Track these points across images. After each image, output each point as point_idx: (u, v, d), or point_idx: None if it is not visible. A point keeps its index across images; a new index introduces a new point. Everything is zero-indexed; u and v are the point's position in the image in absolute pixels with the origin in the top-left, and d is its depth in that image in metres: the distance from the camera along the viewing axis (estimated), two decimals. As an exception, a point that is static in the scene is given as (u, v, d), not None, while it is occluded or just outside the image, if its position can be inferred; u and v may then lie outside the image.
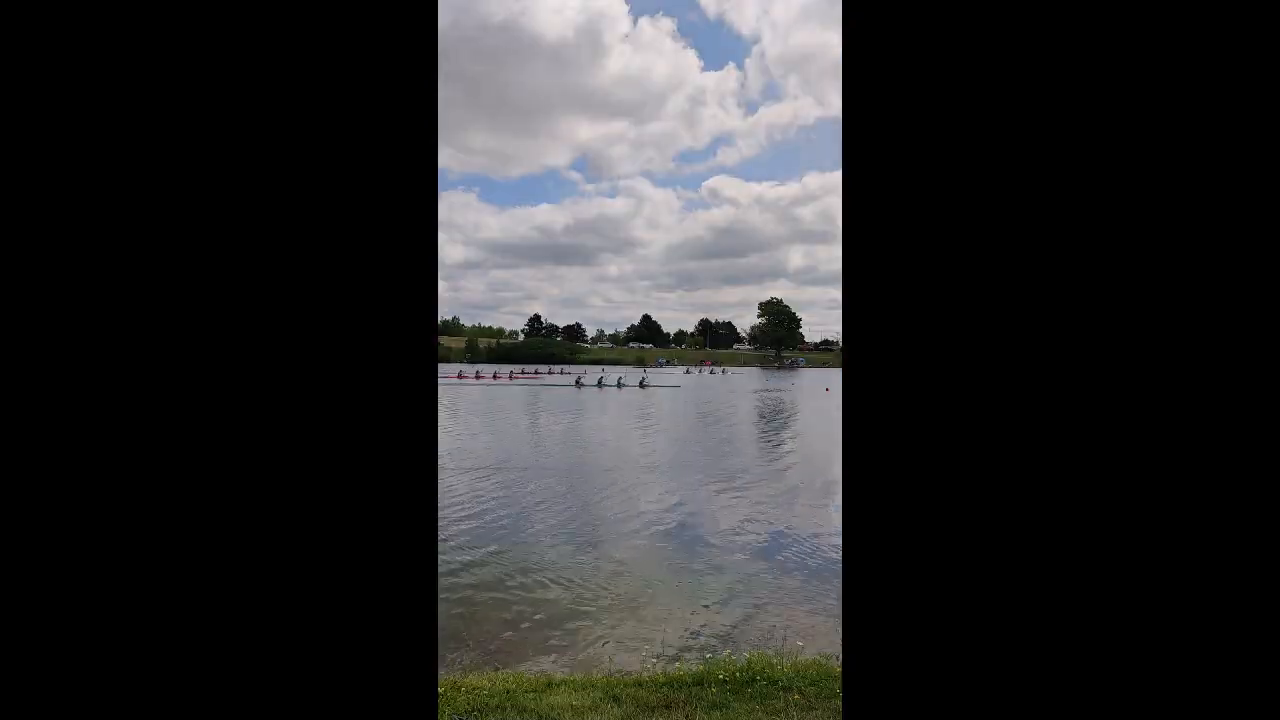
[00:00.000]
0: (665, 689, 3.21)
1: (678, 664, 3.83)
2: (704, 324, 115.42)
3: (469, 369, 48.57)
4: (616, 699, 3.09)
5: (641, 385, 36.55)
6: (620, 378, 39.96)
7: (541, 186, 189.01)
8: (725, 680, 3.26)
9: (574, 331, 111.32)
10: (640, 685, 3.28)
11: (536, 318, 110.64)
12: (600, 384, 36.54)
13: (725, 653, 3.95)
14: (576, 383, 37.50)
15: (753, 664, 3.43)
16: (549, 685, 3.35)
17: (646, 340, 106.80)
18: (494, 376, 43.29)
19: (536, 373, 50.69)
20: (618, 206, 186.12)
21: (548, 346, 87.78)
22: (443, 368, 54.76)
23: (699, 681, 3.28)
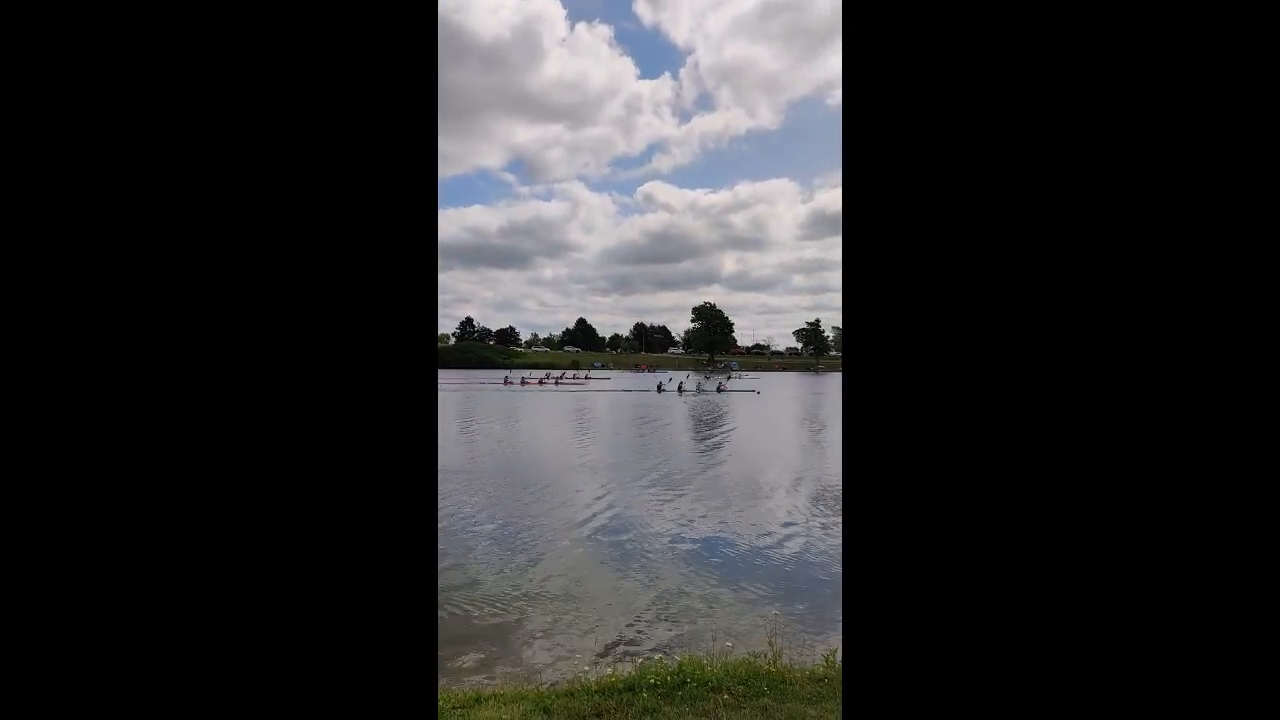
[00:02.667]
0: (597, 697, 3.20)
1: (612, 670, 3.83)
2: (639, 328, 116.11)
3: (514, 375, 48.22)
4: (547, 710, 3.05)
5: (719, 390, 37.78)
6: (700, 383, 41.81)
7: (474, 187, 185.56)
8: (656, 685, 3.28)
9: (507, 335, 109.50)
10: (572, 695, 3.25)
11: (469, 321, 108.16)
12: (680, 389, 37.45)
13: (657, 656, 3.97)
14: (658, 388, 38.18)
15: (684, 667, 3.47)
16: (477, 700, 3.27)
17: (581, 344, 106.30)
18: (539, 382, 43.81)
19: (577, 377, 51.12)
20: (553, 210, 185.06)
21: (480, 350, 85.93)
22: (489, 373, 54.55)
23: (630, 688, 3.28)
